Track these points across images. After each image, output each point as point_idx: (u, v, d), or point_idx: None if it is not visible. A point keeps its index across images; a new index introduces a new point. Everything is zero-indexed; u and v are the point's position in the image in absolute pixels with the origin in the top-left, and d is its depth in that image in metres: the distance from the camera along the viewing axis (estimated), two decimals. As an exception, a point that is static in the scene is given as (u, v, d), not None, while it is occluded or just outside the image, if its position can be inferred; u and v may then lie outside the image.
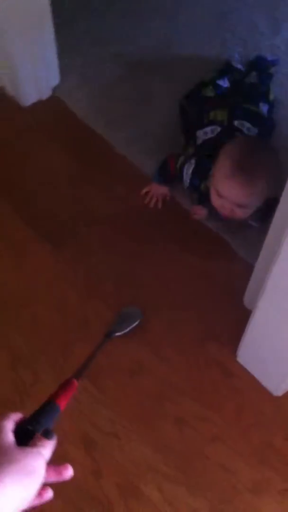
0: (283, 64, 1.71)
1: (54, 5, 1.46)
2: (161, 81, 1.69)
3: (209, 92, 1.53)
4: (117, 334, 1.21)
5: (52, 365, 1.23)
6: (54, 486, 0.57)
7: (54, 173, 1.55)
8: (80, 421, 1.17)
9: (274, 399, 1.20)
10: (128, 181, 1.51)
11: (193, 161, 1.37)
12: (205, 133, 1.41)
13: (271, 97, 1.57)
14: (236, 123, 1.41)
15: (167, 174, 1.44)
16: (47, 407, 0.61)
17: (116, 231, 1.44)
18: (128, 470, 1.12)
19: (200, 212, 1.42)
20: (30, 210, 1.47)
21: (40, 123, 1.64)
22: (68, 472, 0.57)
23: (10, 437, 0.55)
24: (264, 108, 1.50)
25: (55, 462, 0.58)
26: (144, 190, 1.47)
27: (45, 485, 0.54)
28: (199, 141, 1.42)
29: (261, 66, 1.63)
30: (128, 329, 1.23)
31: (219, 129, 1.40)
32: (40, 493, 0.54)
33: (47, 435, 0.56)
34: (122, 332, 1.22)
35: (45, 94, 1.66)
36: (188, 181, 1.39)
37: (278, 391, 1.19)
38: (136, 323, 1.24)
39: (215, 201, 1.31)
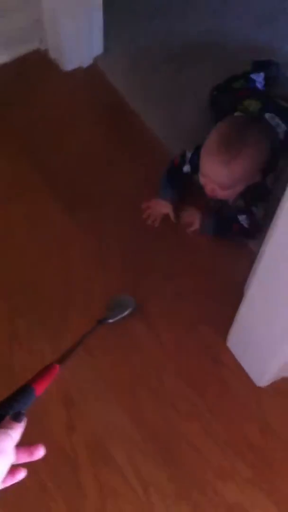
0: None
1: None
2: (207, 67, 1.66)
3: (240, 85, 1.52)
4: (110, 321, 1.23)
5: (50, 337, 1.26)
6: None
7: (82, 140, 1.56)
8: (64, 380, 1.19)
9: (256, 389, 1.20)
10: (153, 160, 1.51)
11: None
12: None
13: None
14: (267, 115, 1.40)
15: (172, 169, 1.42)
16: (23, 391, 0.62)
17: (134, 206, 1.44)
18: (100, 432, 1.15)
19: (192, 223, 1.39)
20: (50, 168, 1.50)
21: (77, 89, 1.66)
22: (40, 452, 0.58)
23: None
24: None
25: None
26: (145, 205, 1.43)
27: (18, 466, 0.56)
28: None
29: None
30: (119, 317, 1.24)
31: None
32: (12, 473, 0.55)
33: (17, 417, 0.57)
34: (114, 319, 1.23)
35: (86, 62, 1.68)
36: (190, 157, 1.37)
37: (261, 382, 1.19)
38: (128, 311, 1.25)
39: (200, 178, 1.32)
